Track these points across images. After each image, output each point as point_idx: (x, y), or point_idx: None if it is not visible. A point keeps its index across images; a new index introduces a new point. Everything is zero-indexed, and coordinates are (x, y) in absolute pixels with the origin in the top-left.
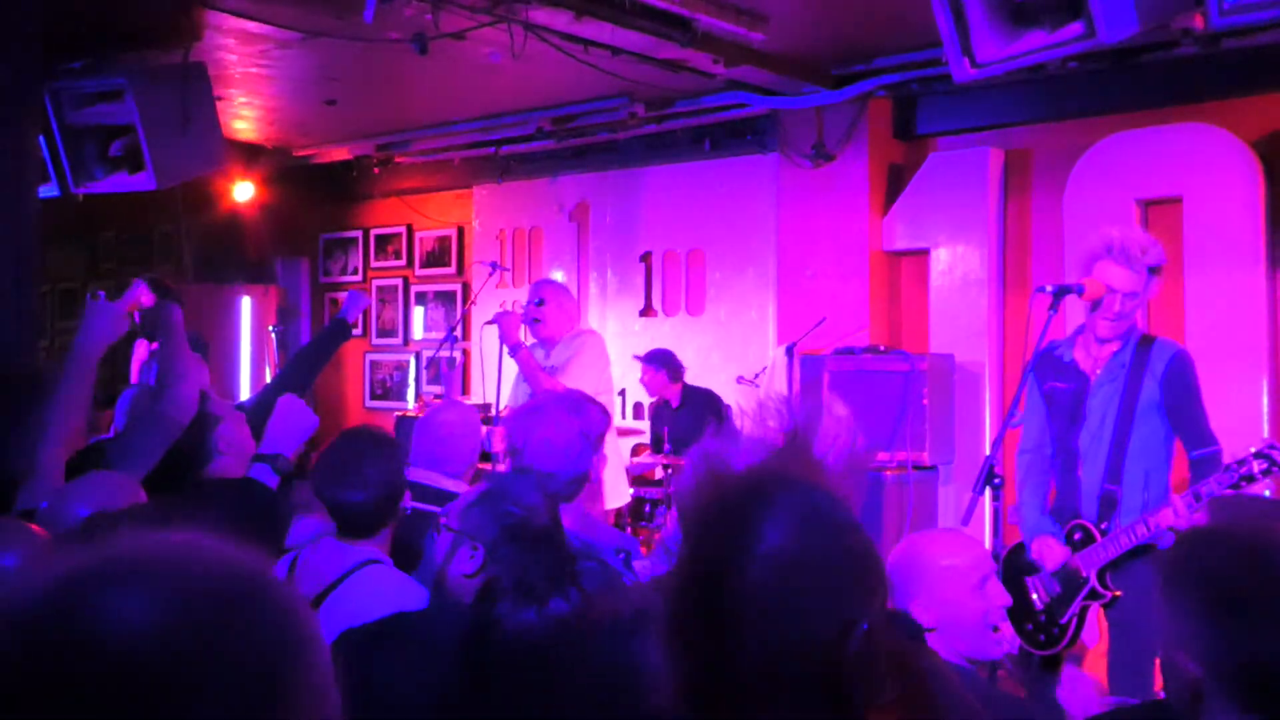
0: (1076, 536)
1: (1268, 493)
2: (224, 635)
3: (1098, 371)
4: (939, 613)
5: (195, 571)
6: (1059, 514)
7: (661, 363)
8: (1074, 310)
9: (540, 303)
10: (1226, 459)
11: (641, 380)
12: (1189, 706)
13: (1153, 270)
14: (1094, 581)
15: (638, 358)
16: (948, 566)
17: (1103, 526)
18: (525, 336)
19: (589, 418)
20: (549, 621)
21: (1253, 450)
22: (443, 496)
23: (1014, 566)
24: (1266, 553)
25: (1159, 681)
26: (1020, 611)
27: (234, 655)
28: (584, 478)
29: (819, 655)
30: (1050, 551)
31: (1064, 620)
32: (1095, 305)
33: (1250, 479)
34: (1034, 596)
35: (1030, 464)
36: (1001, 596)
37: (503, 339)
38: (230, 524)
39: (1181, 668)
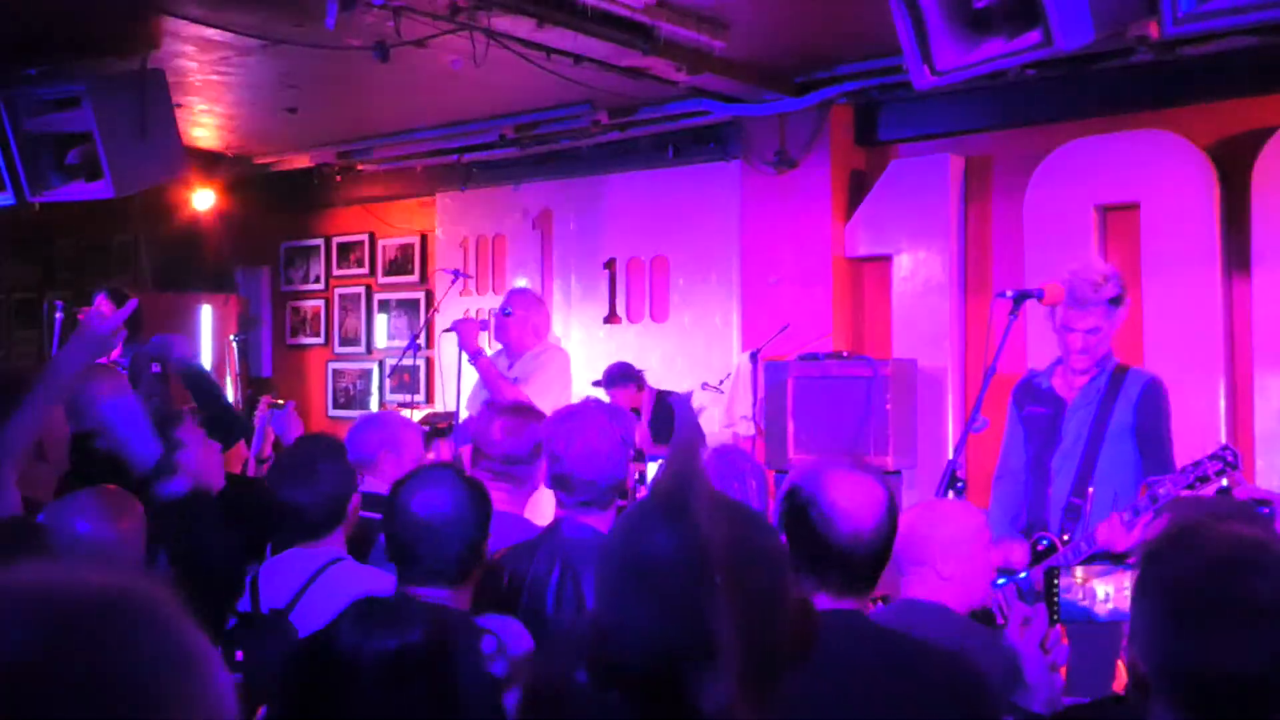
0: (1040, 547)
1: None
2: (94, 655)
3: (1074, 397)
4: (956, 566)
5: (61, 593)
6: (1029, 530)
7: (624, 379)
8: (1034, 315)
9: (507, 313)
10: (1163, 483)
11: (612, 402)
12: (1139, 703)
13: (1112, 302)
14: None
15: (597, 385)
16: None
17: (1064, 537)
18: (489, 344)
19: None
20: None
21: (1209, 454)
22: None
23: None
24: (1235, 567)
25: (1119, 683)
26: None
27: (105, 675)
28: (622, 485)
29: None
30: (1015, 553)
31: None
32: (1055, 315)
33: (1205, 480)
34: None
35: (1003, 487)
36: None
37: (462, 346)
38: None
39: (1136, 664)
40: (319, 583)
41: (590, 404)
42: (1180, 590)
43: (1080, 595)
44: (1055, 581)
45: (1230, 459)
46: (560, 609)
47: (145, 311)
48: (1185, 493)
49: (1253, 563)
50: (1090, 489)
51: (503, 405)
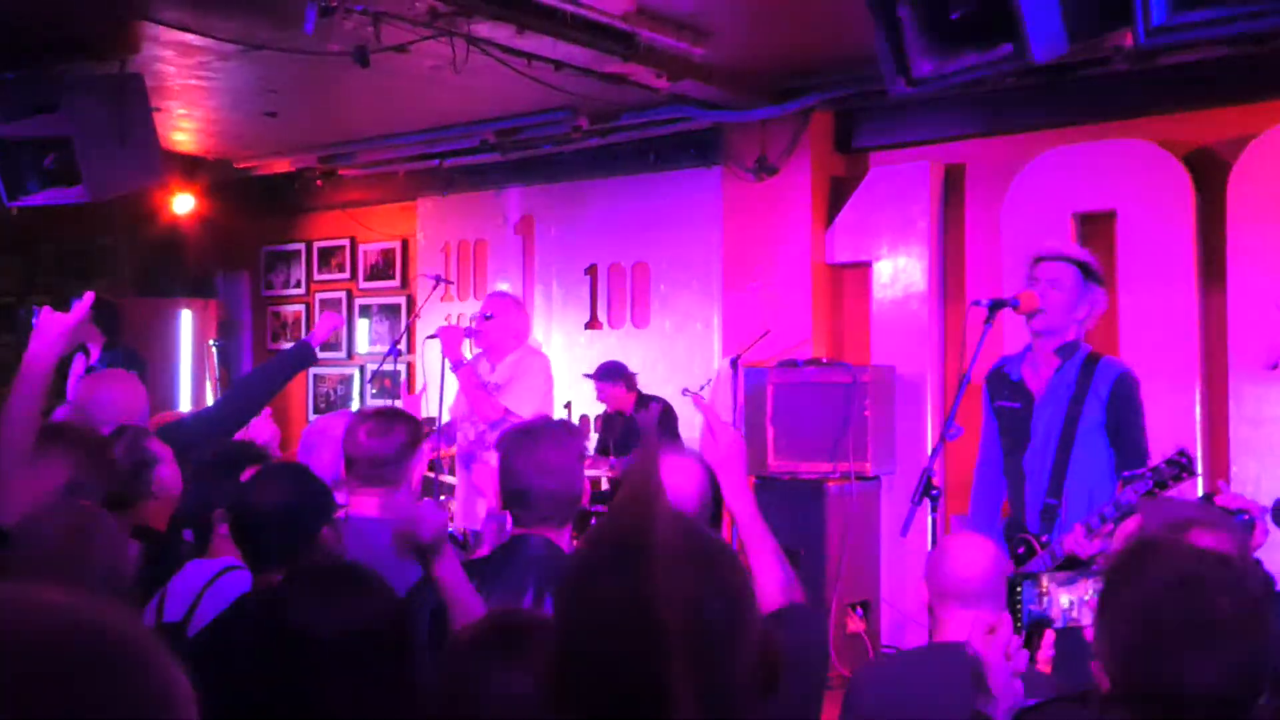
0: (1020, 551)
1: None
2: (66, 698)
3: (1043, 391)
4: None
5: (30, 629)
6: (1010, 530)
7: (616, 375)
8: (1011, 323)
9: (488, 317)
10: (1123, 492)
11: (599, 398)
12: (1100, 713)
13: (1085, 272)
14: None
15: (588, 376)
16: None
17: (1043, 539)
18: (469, 350)
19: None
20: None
21: (1164, 460)
22: None
23: None
24: (1202, 583)
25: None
26: None
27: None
28: (579, 499)
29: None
30: None
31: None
32: (1031, 316)
33: (1163, 485)
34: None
35: (982, 477)
36: None
37: (445, 353)
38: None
39: (1093, 676)
40: (207, 597)
41: (546, 419)
42: (1143, 609)
43: (1045, 604)
44: (1018, 590)
45: (1185, 462)
46: None
47: (126, 316)
48: (1143, 499)
49: (1213, 580)
50: (1065, 488)
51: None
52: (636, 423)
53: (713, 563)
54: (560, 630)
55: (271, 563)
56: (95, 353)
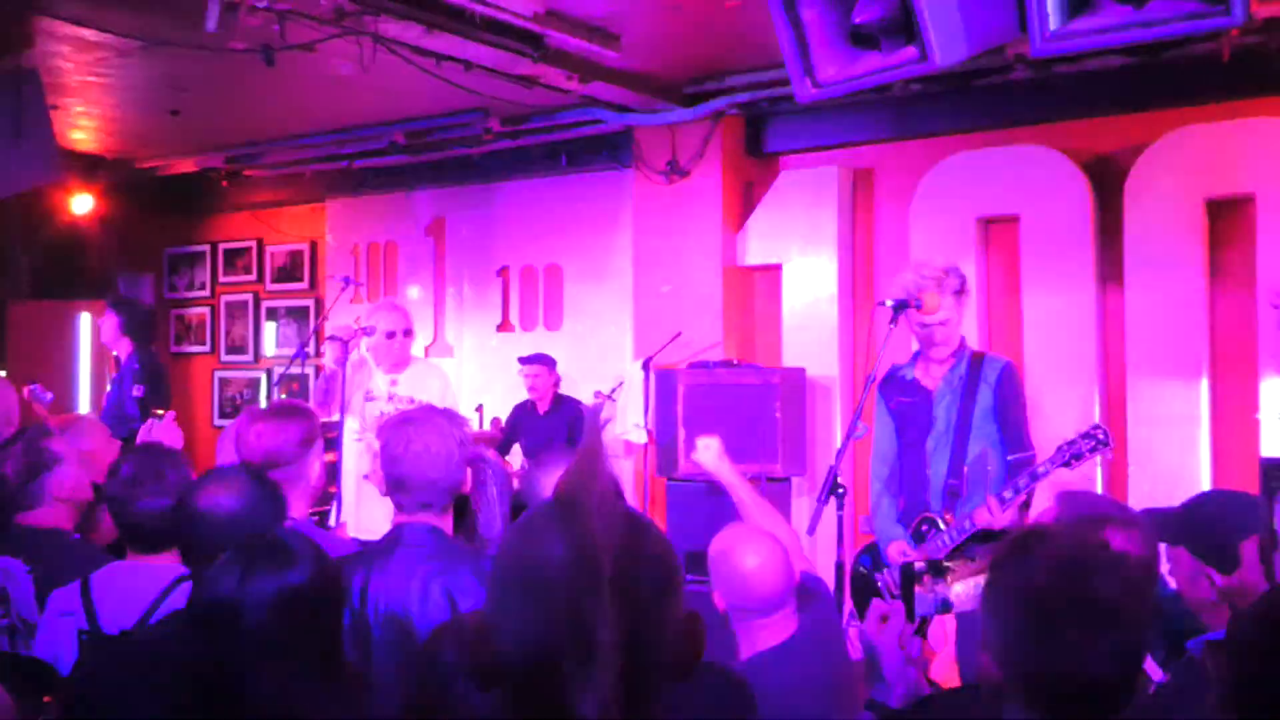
0: (924, 529)
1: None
2: None
3: (937, 385)
4: None
5: None
6: (907, 513)
7: (539, 359)
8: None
9: (405, 334)
10: (1040, 462)
11: (531, 383)
12: (991, 701)
13: (957, 294)
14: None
15: (523, 360)
16: None
17: (947, 517)
18: (365, 349)
19: (465, 427)
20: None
21: (1081, 432)
22: None
23: (864, 565)
24: (1084, 568)
25: None
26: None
27: None
28: (459, 487)
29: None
30: (901, 552)
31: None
32: (921, 331)
33: (1079, 457)
34: (882, 590)
35: (881, 476)
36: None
37: (336, 362)
38: None
39: (984, 665)
40: (166, 604)
41: (427, 408)
42: (1026, 595)
43: (935, 594)
44: (911, 580)
45: (1101, 437)
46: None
47: (22, 320)
48: (1062, 469)
49: (1094, 565)
50: (965, 469)
51: (259, 410)
52: (546, 422)
53: (644, 532)
54: (503, 568)
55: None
56: (128, 349)
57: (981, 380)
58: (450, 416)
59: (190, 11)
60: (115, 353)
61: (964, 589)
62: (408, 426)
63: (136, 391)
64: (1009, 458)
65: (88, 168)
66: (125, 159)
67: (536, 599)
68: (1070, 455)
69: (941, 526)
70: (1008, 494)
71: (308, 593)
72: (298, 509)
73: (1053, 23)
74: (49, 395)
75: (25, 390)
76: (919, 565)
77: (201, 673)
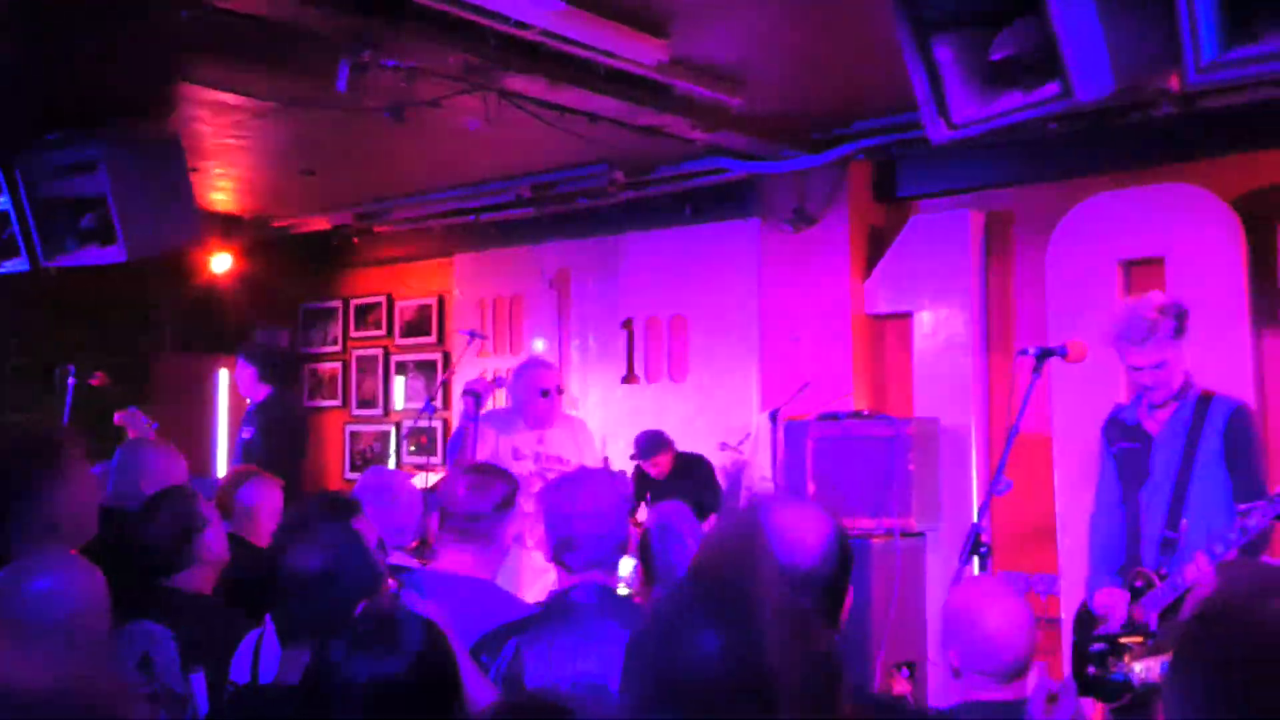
0: (1138, 584)
1: None
2: None
3: (1160, 430)
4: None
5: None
6: (1126, 569)
7: (657, 447)
8: (1058, 373)
9: (558, 392)
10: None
11: (656, 472)
12: None
13: (1175, 334)
14: (1155, 626)
15: (634, 459)
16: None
17: (1162, 571)
18: (505, 398)
19: (627, 482)
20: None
21: None
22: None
23: (1082, 624)
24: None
25: None
26: (1084, 665)
27: None
28: (625, 544)
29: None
30: (1111, 598)
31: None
32: (1133, 375)
33: None
34: (1097, 649)
35: (1099, 526)
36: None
37: (466, 416)
38: None
39: None
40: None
41: (585, 468)
42: (1220, 670)
43: (1119, 672)
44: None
45: None
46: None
47: (166, 373)
48: (1274, 523)
49: None
50: (1184, 521)
51: (468, 465)
52: (669, 486)
53: (811, 625)
54: (641, 662)
55: (301, 636)
56: (265, 393)
57: (1207, 424)
58: (611, 473)
59: (322, 72)
60: (249, 400)
61: (1143, 669)
62: (570, 485)
63: (244, 434)
64: (1239, 507)
65: (226, 227)
66: (261, 218)
67: (678, 703)
68: (1276, 513)
69: (1156, 584)
70: (1218, 549)
71: (403, 683)
72: (485, 570)
73: (1209, 53)
74: (147, 420)
75: (117, 416)
76: (1095, 647)
77: None
